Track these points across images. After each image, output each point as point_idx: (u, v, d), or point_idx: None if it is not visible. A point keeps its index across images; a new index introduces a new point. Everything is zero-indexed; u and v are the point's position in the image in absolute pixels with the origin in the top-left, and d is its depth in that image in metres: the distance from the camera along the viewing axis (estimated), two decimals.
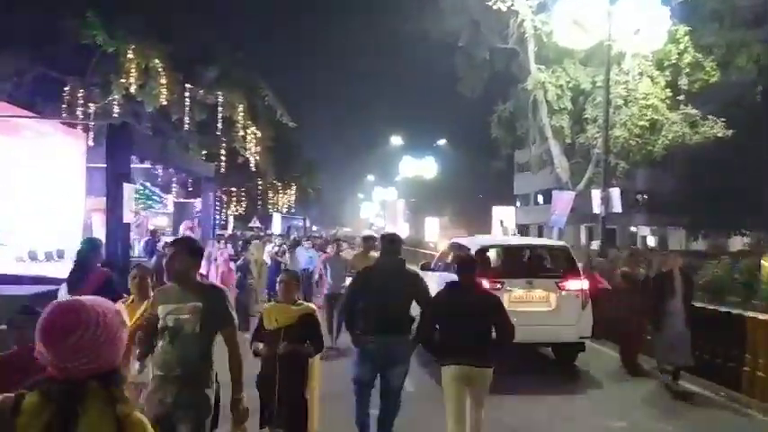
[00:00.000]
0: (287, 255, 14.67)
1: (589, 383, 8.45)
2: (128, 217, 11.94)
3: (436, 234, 49.15)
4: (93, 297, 1.75)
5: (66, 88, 18.81)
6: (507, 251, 10.16)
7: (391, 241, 5.44)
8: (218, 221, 41.28)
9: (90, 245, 7.01)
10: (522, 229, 42.91)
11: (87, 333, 1.62)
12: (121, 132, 12.06)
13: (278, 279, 4.86)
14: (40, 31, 17.95)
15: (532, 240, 12.07)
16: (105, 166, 12.28)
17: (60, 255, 17.36)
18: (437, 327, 4.89)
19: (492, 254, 10.10)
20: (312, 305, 4.84)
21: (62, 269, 14.53)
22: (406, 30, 22.86)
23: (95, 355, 1.63)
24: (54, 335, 1.61)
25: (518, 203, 49.35)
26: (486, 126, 24.76)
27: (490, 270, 8.84)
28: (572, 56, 19.23)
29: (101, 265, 6.99)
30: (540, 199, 48.77)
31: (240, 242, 19.79)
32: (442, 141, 48.87)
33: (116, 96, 18.29)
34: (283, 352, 4.43)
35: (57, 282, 11.00)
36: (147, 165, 18.41)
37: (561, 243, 10.92)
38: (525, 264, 9.64)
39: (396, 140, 51.20)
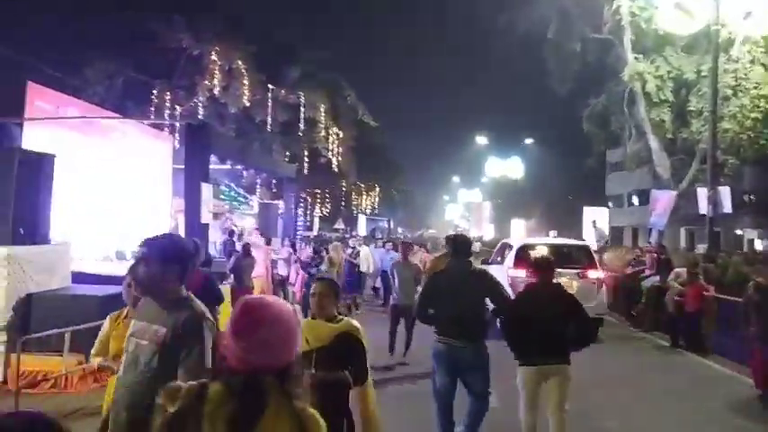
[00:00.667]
0: (363, 256, 14.21)
1: (723, 420, 6.81)
2: (206, 217, 11.85)
3: (522, 236, 47.76)
4: (274, 297, 1.87)
5: (154, 91, 19.26)
6: (555, 246, 11.75)
7: (458, 243, 5.34)
8: (303, 223, 41.83)
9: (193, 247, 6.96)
10: (616, 232, 40.77)
11: (272, 330, 1.70)
12: (200, 132, 11.98)
13: (311, 289, 4.00)
14: (129, 36, 18.46)
15: (561, 240, 14.76)
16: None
17: None
18: (515, 326, 4.91)
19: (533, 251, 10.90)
20: (354, 322, 3.80)
21: None
22: (492, 24, 21.99)
23: (277, 351, 1.71)
24: (244, 330, 1.70)
25: (610, 205, 47.05)
26: (576, 123, 23.47)
27: (529, 262, 9.45)
28: (673, 43, 17.77)
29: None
30: (635, 200, 46.24)
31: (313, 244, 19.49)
32: (529, 140, 47.25)
33: (201, 98, 18.51)
34: (312, 381, 3.41)
35: None
36: (228, 165, 18.48)
37: (583, 243, 13.56)
38: (554, 258, 9.83)
39: (481, 140, 49.95)
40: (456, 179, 75.14)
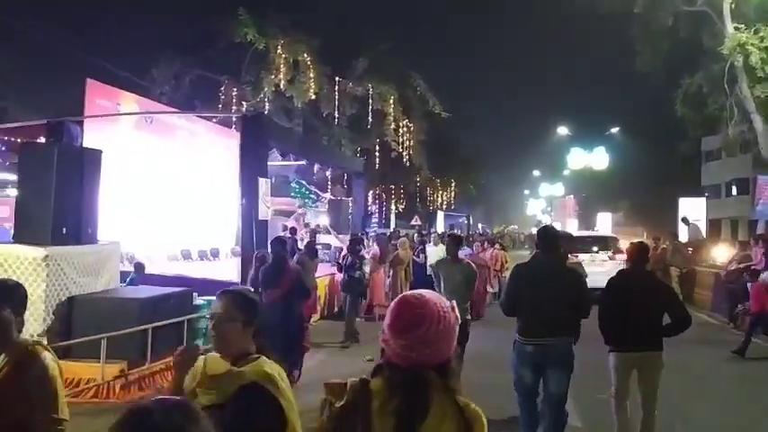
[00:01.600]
0: (432, 254, 13.25)
1: None
2: (263, 213, 11.26)
3: (609, 231, 45.45)
4: (432, 293, 1.83)
5: (221, 89, 19.05)
6: (583, 238, 16.30)
7: (544, 236, 5.09)
8: (379, 220, 41.24)
9: (282, 244, 7.15)
10: (713, 225, 37.76)
11: (432, 326, 1.70)
12: (256, 123, 11.39)
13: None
14: (195, 35, 18.30)
15: (596, 233, 21.32)
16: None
17: (215, 254, 17.50)
18: (607, 311, 4.94)
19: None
20: (273, 367, 2.26)
21: (216, 268, 14.48)
22: (572, 4, 20.39)
23: (436, 347, 1.71)
24: (404, 327, 1.71)
25: (706, 195, 43.81)
26: (667, 107, 21.50)
27: (573, 249, 12.12)
28: None
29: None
30: (734, 190, 42.87)
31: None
32: (614, 129, 44.57)
33: (267, 93, 18.10)
34: None
35: (197, 283, 10.56)
36: (296, 161, 17.94)
37: (611, 234, 19.70)
38: (592, 244, 16.02)
39: (562, 131, 47.57)
40: (537, 173, 72.63)
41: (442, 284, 6.84)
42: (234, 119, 16.44)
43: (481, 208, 71.52)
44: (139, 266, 10.35)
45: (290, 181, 24.21)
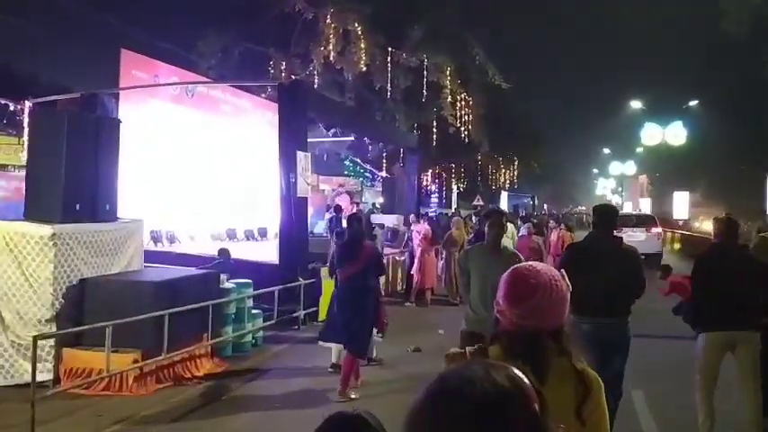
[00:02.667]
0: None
1: None
2: (302, 189, 10.42)
3: (686, 211, 42.70)
4: (542, 264, 1.91)
5: (270, 62, 18.35)
6: (625, 216, 20.39)
7: (601, 213, 5.01)
8: (440, 200, 40.08)
9: (358, 221, 7.09)
10: None
11: (545, 295, 1.76)
12: (294, 92, 10.51)
13: None
14: (243, 6, 17.60)
15: (636, 212, 26.68)
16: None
17: (263, 233, 16.83)
18: (699, 289, 4.93)
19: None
20: None
21: (263, 249, 13.77)
22: None
23: (549, 314, 1.78)
24: (518, 297, 1.77)
25: None
26: (754, 72, 19.45)
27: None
28: None
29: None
30: None
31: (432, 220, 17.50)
32: (692, 102, 41.56)
33: (316, 66, 17.24)
34: None
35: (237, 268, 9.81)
36: (349, 138, 17.07)
37: (648, 213, 27.89)
38: (632, 221, 20.30)
39: (635, 105, 44.76)
40: (606, 150, 69.35)
41: (473, 282, 5.05)
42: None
43: (547, 188, 69.14)
44: (224, 252, 9.65)
45: (343, 158, 23.43)
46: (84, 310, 6.84)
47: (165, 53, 13.33)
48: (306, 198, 10.69)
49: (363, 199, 24.38)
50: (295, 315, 9.53)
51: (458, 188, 40.01)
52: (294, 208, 10.30)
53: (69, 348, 6.70)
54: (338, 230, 9.19)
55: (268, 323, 8.92)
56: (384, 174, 23.70)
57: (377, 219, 17.89)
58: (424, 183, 35.50)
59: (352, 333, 6.48)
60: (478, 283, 5.00)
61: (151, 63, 12.42)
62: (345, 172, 24.57)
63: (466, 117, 21.87)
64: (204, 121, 14.12)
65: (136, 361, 6.69)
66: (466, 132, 22.48)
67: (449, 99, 19.68)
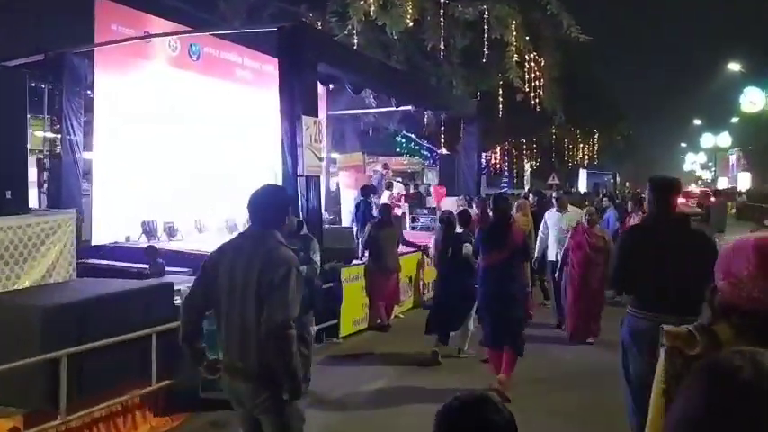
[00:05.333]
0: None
1: None
2: (310, 165, 7.92)
3: None
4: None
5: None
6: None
7: (663, 190, 4.07)
8: (510, 179, 36.85)
9: (506, 202, 6.56)
10: None
11: None
12: (295, 38, 7.96)
13: None
14: None
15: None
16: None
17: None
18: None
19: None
20: None
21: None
22: None
23: None
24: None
25: None
26: None
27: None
28: None
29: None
30: None
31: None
32: None
33: (354, 24, 14.64)
34: None
35: None
36: (396, 107, 14.38)
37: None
38: None
39: (733, 67, 39.68)
40: (697, 122, 63.57)
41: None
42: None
43: (629, 164, 64.30)
44: (152, 251, 7.57)
45: (394, 134, 20.74)
46: None
47: (161, 6, 11.01)
48: (317, 177, 8.18)
49: (425, 180, 21.71)
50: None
51: (531, 166, 36.64)
52: (301, 190, 7.83)
53: None
54: (443, 215, 7.81)
55: None
56: (443, 150, 20.94)
57: (431, 203, 15.31)
58: (493, 161, 32.40)
59: (511, 333, 5.95)
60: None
61: (138, 16, 10.13)
62: (398, 149, 21.89)
63: (536, 82, 18.74)
64: (214, 89, 11.83)
65: (15, 430, 4.41)
66: (537, 100, 19.35)
67: (515, 59, 16.61)
